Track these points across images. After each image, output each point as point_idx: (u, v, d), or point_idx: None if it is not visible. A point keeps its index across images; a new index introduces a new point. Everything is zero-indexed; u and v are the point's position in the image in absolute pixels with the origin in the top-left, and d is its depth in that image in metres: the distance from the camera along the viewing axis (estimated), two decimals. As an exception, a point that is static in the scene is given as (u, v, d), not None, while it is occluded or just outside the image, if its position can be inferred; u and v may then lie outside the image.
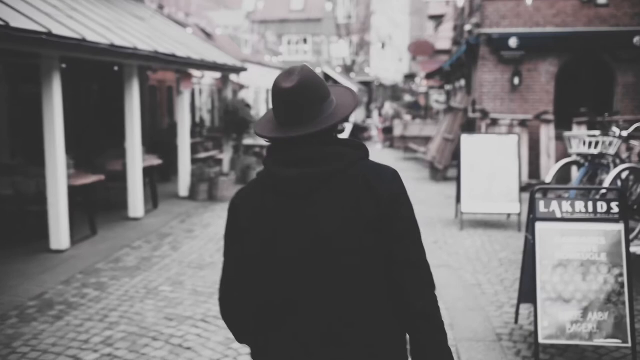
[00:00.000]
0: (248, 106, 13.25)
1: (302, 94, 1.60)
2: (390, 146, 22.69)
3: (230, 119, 11.70)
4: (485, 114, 12.42)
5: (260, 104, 27.51)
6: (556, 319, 3.95)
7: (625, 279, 3.95)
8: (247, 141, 13.20)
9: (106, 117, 12.20)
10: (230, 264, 1.72)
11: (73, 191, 7.44)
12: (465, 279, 6.03)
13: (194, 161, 11.92)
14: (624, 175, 6.37)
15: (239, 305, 1.71)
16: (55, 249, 7.04)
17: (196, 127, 17.57)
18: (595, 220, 4.09)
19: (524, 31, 13.04)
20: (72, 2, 8.45)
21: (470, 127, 13.46)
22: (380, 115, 32.31)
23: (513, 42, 12.87)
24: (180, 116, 11.21)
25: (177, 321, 4.91)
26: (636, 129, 7.10)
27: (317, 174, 1.61)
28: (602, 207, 4.12)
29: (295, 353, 1.63)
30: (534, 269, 4.07)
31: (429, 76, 25.19)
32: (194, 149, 13.25)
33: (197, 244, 7.59)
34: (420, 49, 27.04)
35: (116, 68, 10.45)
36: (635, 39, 12.48)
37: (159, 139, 13.44)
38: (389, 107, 31.18)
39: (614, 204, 4.11)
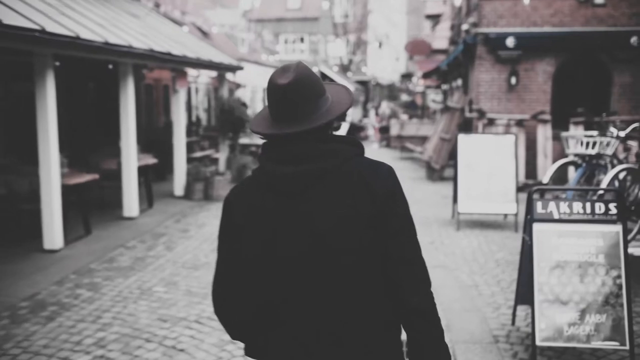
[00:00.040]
0: (244, 105, 13.19)
1: (297, 90, 1.59)
2: (387, 145, 22.65)
3: (226, 117, 11.63)
4: (482, 113, 12.39)
5: (256, 102, 27.44)
6: (553, 321, 3.91)
7: (623, 280, 3.92)
8: (243, 140, 13.14)
9: (101, 115, 12.13)
10: (223, 261, 1.72)
11: (67, 190, 7.37)
12: (462, 280, 5.99)
13: (189, 160, 11.86)
14: (621, 175, 6.34)
15: (232, 302, 1.71)
16: (48, 249, 6.97)
17: (192, 126, 17.50)
18: (593, 222, 4.05)
19: (521, 31, 13.01)
20: (67, 0, 8.38)
21: (467, 126, 13.43)
22: (377, 114, 32.27)
23: (510, 42, 12.84)
24: (176, 115, 11.15)
25: (171, 322, 4.85)
26: (633, 129, 7.07)
27: (313, 170, 1.59)
28: (600, 208, 4.08)
29: (293, 351, 1.63)
30: (531, 270, 4.03)
31: (425, 75, 25.20)
32: (190, 147, 13.18)
33: (192, 244, 7.53)
34: (417, 48, 27.00)
35: (111, 66, 10.38)
36: (633, 39, 12.47)
37: (155, 137, 13.36)
38: (385, 107, 31.12)
39: (611, 205, 4.07)
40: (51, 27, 6.27)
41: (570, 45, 12.95)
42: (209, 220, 8.96)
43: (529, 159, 12.10)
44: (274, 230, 1.62)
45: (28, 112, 7.70)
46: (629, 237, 5.77)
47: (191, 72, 15.61)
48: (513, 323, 4.69)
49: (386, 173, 1.65)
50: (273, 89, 1.62)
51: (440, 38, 25.45)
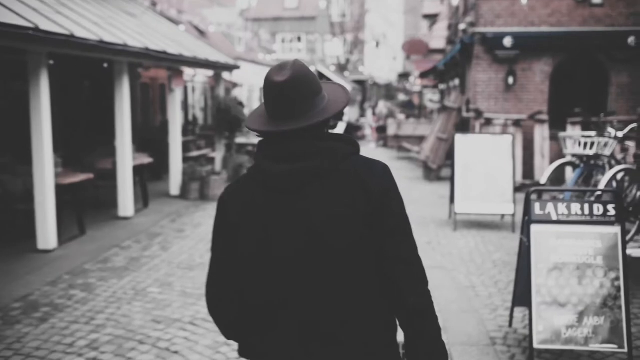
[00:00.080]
0: (241, 104, 13.12)
1: (294, 87, 1.58)
2: (384, 145, 22.62)
3: (223, 117, 11.56)
4: (479, 113, 12.36)
5: (253, 102, 27.37)
6: (551, 324, 3.87)
7: (621, 282, 3.88)
8: (240, 140, 13.09)
9: (96, 114, 12.06)
10: (218, 261, 1.71)
11: (61, 190, 7.31)
12: (459, 281, 5.95)
13: (185, 159, 11.81)
14: (619, 176, 6.30)
15: (227, 302, 1.70)
16: (42, 249, 6.91)
17: (189, 125, 17.43)
18: (591, 223, 4.02)
19: (518, 30, 12.98)
20: (62, -2, 8.32)
21: (464, 126, 13.40)
22: (374, 114, 32.26)
23: (507, 42, 12.82)
24: (172, 114, 11.09)
25: (165, 324, 4.80)
26: (631, 129, 7.04)
27: (309, 168, 1.58)
28: (598, 209, 4.04)
29: (289, 351, 1.61)
30: (529, 272, 3.99)
31: (423, 75, 25.16)
32: (186, 147, 13.12)
33: (187, 244, 7.48)
34: (414, 48, 26.99)
35: (106, 65, 10.31)
36: (630, 39, 12.45)
37: (151, 137, 13.30)
38: (382, 106, 31.09)
39: (610, 207, 4.04)
40: (45, 26, 6.21)
41: (568, 45, 12.93)
42: (204, 220, 8.90)
43: (526, 159, 12.07)
44: (270, 228, 1.60)
45: (23, 111, 7.64)
46: (627, 238, 5.74)
47: (187, 71, 15.55)
48: (510, 325, 4.65)
49: (381, 171, 1.64)
50: (270, 86, 1.61)
51: (438, 38, 25.43)
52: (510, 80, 13.10)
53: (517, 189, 9.67)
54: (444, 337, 4.32)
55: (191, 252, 7.07)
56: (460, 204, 8.27)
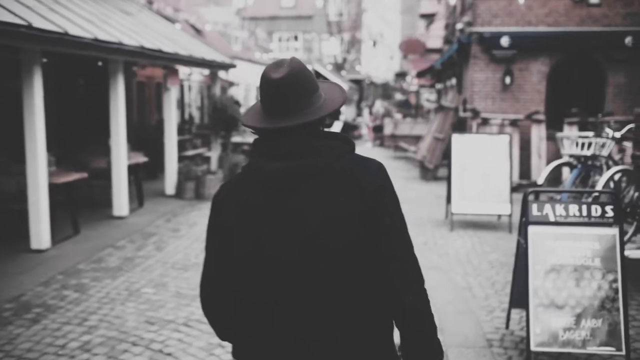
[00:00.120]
0: (237, 103, 13.06)
1: (290, 85, 1.58)
2: (381, 145, 22.59)
3: (219, 116, 11.51)
4: (476, 113, 12.33)
5: (250, 101, 27.30)
6: (549, 326, 3.84)
7: (619, 284, 3.85)
8: (236, 139, 13.03)
9: (91, 113, 11.98)
10: (212, 260, 1.70)
11: (54, 189, 7.24)
12: (456, 282, 5.92)
13: (181, 159, 11.74)
14: (617, 177, 6.27)
15: (221, 302, 1.69)
16: (35, 249, 6.85)
17: (185, 124, 17.36)
18: (589, 224, 3.98)
19: (515, 30, 12.96)
20: (56, -5, 8.24)
21: (461, 126, 13.37)
22: (370, 113, 32.20)
23: (505, 41, 12.79)
24: (167, 113, 11.02)
25: (159, 325, 4.75)
26: (628, 130, 7.01)
27: (304, 166, 1.58)
28: (596, 210, 4.01)
29: (285, 351, 1.60)
30: (526, 274, 3.96)
31: (420, 75, 25.15)
32: (182, 146, 13.06)
33: (182, 244, 7.43)
34: (411, 47, 26.95)
35: (100, 63, 10.24)
36: (627, 40, 12.44)
37: (146, 135, 13.22)
38: (379, 106, 31.07)
39: (608, 208, 4.00)
40: (38, 23, 6.15)
41: (565, 45, 12.91)
42: (200, 220, 8.85)
43: (523, 159, 12.05)
44: (265, 227, 1.59)
45: (17, 110, 7.57)
46: (625, 239, 5.71)
47: (184, 69, 15.48)
48: (507, 327, 4.61)
49: (376, 169, 1.63)
50: (266, 83, 1.60)
51: (435, 37, 25.39)
52: (507, 80, 13.07)
53: (514, 189, 9.65)
54: (441, 339, 4.28)
55: (186, 252, 7.01)
56: (456, 204, 8.23)
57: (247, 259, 1.61)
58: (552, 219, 4.01)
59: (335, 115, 1.75)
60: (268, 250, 1.59)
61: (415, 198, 10.78)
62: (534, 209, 4.04)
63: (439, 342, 1.67)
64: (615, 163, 6.78)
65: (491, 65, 13.23)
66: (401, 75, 42.27)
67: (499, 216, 8.51)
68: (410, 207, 9.49)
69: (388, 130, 20.79)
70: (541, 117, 12.05)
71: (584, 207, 4.02)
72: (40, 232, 6.84)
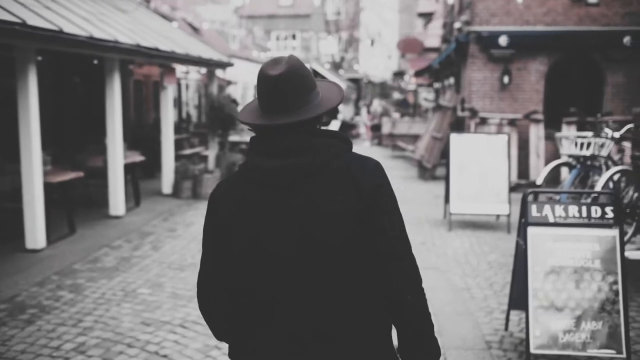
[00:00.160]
0: (234, 102, 12.99)
1: (288, 81, 1.57)
2: (379, 144, 22.54)
3: (216, 114, 11.44)
4: (474, 112, 12.29)
5: (247, 99, 27.24)
6: (548, 328, 3.80)
7: (620, 286, 3.81)
8: (233, 138, 12.98)
9: (87, 111, 11.91)
10: (208, 259, 1.69)
11: (50, 188, 7.19)
12: (454, 282, 5.88)
13: (178, 157, 11.68)
14: (616, 177, 6.24)
15: (218, 300, 1.69)
16: (30, 248, 6.79)
17: (182, 123, 17.30)
18: (589, 226, 3.94)
19: (514, 29, 12.92)
20: (52, -7, 8.18)
21: (459, 125, 13.33)
22: (368, 112, 32.17)
23: (503, 41, 12.75)
24: (164, 112, 10.96)
25: (155, 326, 4.70)
26: (627, 130, 6.98)
27: (301, 165, 1.57)
28: (596, 211, 3.97)
29: (283, 350, 1.59)
30: (526, 276, 3.92)
31: (417, 74, 25.10)
32: (179, 145, 13.00)
33: (179, 244, 7.38)
34: (409, 46, 26.91)
35: (96, 61, 10.18)
36: (626, 39, 12.41)
37: (143, 134, 13.15)
38: (377, 105, 31.04)
39: (608, 209, 3.97)
40: (33, 21, 6.09)
41: (563, 45, 12.88)
42: (197, 219, 8.80)
43: (521, 158, 12.02)
44: (261, 225, 1.58)
45: (11, 109, 7.51)
46: (624, 240, 5.67)
47: (181, 68, 15.42)
48: (506, 328, 4.57)
49: (373, 168, 1.62)
50: (264, 80, 1.59)
51: (433, 36, 25.35)
52: (506, 79, 13.04)
53: (512, 188, 9.62)
54: (439, 341, 4.24)
55: (183, 252, 6.96)
56: (454, 203, 8.19)
57: (243, 257, 1.60)
58: (551, 220, 3.97)
59: (333, 114, 1.71)
60: (265, 248, 1.58)
61: (413, 197, 10.74)
62: (534, 210, 4.00)
63: (437, 341, 1.67)
64: (615, 163, 6.75)
65: (489, 65, 13.20)
66: (399, 74, 42.21)
67: (498, 216, 8.48)
68: (408, 207, 9.46)
69: (386, 129, 20.75)
70: (539, 116, 12.02)
71: (584, 208, 3.98)
72: (36, 232, 6.79)
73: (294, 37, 38.99)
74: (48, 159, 7.43)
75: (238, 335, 1.68)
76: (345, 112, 29.04)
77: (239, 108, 12.55)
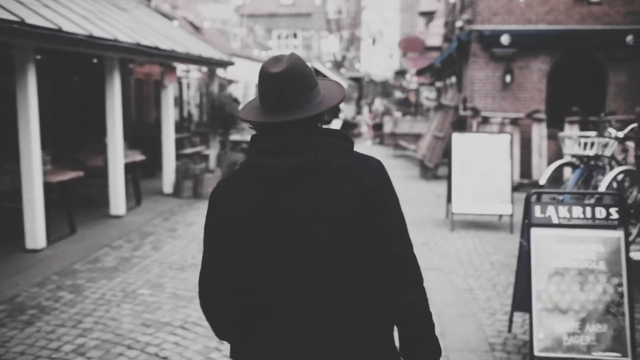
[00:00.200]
0: (235, 101, 12.97)
1: (290, 79, 1.57)
2: (380, 143, 22.50)
3: (217, 113, 11.41)
4: (476, 111, 12.24)
5: (248, 98, 27.20)
6: (552, 331, 3.75)
7: (625, 288, 3.76)
8: (234, 137, 12.94)
9: (87, 111, 11.87)
10: (209, 257, 1.69)
11: (50, 188, 7.15)
12: (456, 283, 5.83)
13: (179, 157, 11.64)
14: (620, 177, 6.19)
15: (219, 299, 1.69)
16: (30, 248, 6.76)
17: (184, 122, 17.26)
18: (593, 227, 3.90)
19: (515, 28, 12.87)
20: (52, -8, 8.13)
21: (461, 124, 13.28)
22: (370, 111, 32.10)
23: (505, 39, 12.70)
24: (165, 111, 10.92)
25: (155, 328, 4.66)
26: (631, 129, 6.92)
27: (302, 163, 1.56)
28: (600, 212, 3.93)
29: (284, 349, 1.59)
30: (529, 277, 3.87)
31: (419, 73, 25.02)
32: (180, 144, 12.96)
33: (179, 244, 7.34)
34: (410, 45, 26.86)
35: (95, 60, 10.14)
36: (628, 38, 12.36)
37: (144, 133, 13.12)
38: (379, 104, 30.98)
39: (613, 210, 3.92)
40: (31, 19, 6.04)
41: (566, 44, 12.82)
42: (198, 219, 8.76)
43: (524, 158, 11.97)
44: (262, 224, 1.58)
45: (10, 108, 7.47)
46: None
47: (182, 67, 15.37)
48: (510, 330, 4.53)
49: (374, 167, 1.62)
50: (265, 78, 1.58)
51: (434, 35, 25.28)
52: (508, 78, 12.99)
53: (515, 188, 9.58)
54: (442, 343, 4.19)
55: (183, 252, 6.92)
56: (457, 203, 8.15)
57: (244, 256, 1.60)
58: (555, 221, 3.93)
59: (335, 113, 1.68)
60: (265, 247, 1.57)
61: (415, 197, 10.70)
62: (537, 211, 3.95)
63: (438, 341, 1.67)
64: (618, 163, 6.69)
65: (491, 64, 13.14)
66: (401, 73, 42.15)
67: (500, 216, 8.43)
68: (410, 207, 9.41)
69: (388, 128, 20.70)
70: (542, 115, 11.97)
71: (588, 209, 3.93)
72: (36, 232, 6.75)
73: (295, 35, 38.92)
74: (48, 158, 7.40)
75: (240, 334, 1.68)
76: (346, 111, 29.01)
77: (240, 107, 12.51)
